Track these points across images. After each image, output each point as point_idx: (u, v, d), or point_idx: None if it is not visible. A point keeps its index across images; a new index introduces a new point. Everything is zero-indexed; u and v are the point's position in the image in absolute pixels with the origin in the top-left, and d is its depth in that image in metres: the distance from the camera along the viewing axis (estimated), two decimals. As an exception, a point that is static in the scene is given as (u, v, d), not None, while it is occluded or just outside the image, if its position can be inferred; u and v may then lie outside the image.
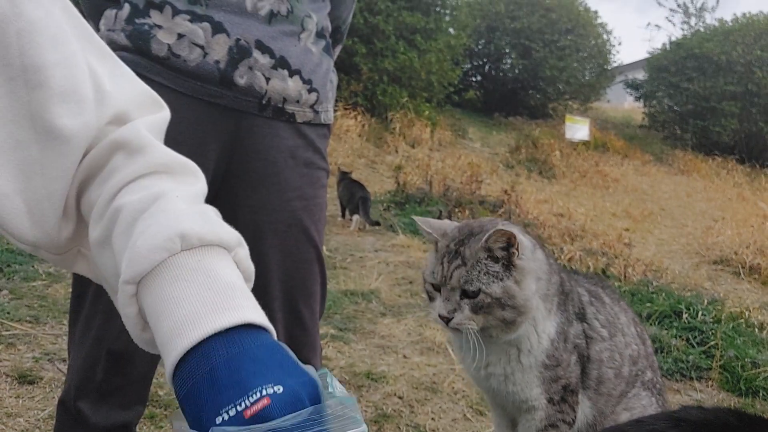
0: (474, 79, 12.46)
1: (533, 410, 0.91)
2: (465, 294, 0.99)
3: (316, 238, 1.33)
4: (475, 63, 12.28)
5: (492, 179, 7.01)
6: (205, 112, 1.19)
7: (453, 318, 0.98)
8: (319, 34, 1.30)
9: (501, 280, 0.99)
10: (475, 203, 5.65)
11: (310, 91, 1.28)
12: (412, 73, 8.85)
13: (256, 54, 1.18)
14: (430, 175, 6.68)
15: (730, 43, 11.10)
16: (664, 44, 12.53)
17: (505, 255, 1.01)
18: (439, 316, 0.99)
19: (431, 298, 1.03)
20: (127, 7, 1.17)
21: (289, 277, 1.30)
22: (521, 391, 0.98)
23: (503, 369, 1.00)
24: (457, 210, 5.42)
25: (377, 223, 5.08)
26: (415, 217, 1.15)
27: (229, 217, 1.28)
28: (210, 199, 1.26)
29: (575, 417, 0.93)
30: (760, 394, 2.82)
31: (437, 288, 1.03)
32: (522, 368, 0.98)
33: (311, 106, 1.29)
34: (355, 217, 5.09)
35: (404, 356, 2.93)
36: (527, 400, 0.99)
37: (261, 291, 1.32)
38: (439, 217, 5.30)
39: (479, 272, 0.98)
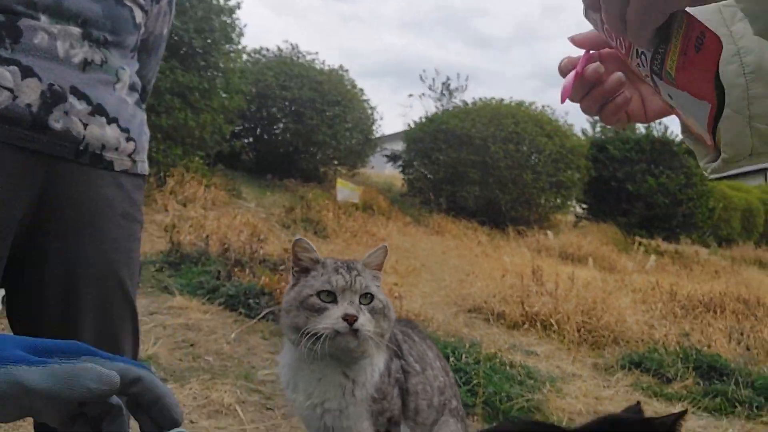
0: (247, 140, 12.57)
1: None
2: (363, 299, 1.06)
3: (131, 294, 1.28)
4: (248, 126, 12.43)
5: (270, 239, 7.08)
6: (15, 158, 1.10)
7: (359, 318, 1.03)
8: (132, 87, 1.29)
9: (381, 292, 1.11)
10: (255, 262, 5.63)
11: (128, 139, 1.25)
12: (186, 132, 8.67)
13: (72, 99, 1.14)
14: (206, 234, 6.51)
15: (470, 120, 12.88)
16: (420, 117, 14.07)
17: (379, 273, 1.14)
18: (346, 315, 1.03)
19: (320, 310, 1.06)
20: None
21: (99, 334, 1.23)
22: (354, 425, 1.05)
23: (338, 403, 1.06)
24: (236, 269, 5.36)
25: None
26: (301, 238, 1.19)
27: (37, 268, 1.19)
28: (14, 250, 1.15)
29: None
30: (514, 423, 3.23)
31: (332, 297, 1.07)
32: (355, 402, 1.06)
33: (129, 155, 1.26)
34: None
35: (191, 421, 2.79)
36: None
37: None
38: (218, 278, 5.18)
39: (370, 281, 1.08)
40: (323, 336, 1.04)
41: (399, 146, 14.26)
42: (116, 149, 1.23)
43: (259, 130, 12.45)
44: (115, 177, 1.24)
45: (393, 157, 14.02)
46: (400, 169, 13.90)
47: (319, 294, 1.08)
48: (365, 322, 1.05)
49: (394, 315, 1.14)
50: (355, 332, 1.04)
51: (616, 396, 3.87)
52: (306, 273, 1.13)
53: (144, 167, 1.33)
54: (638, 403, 0.98)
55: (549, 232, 11.64)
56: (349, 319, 1.04)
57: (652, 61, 0.54)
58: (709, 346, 4.92)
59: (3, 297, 1.24)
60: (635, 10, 0.47)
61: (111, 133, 1.21)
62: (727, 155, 0.58)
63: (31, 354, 0.49)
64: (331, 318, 1.05)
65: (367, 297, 1.09)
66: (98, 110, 1.18)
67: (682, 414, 0.86)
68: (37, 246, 1.17)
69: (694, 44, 0.49)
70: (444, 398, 1.17)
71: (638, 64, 0.57)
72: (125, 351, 1.28)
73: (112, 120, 1.21)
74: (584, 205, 15.46)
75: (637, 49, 0.56)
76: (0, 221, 1.12)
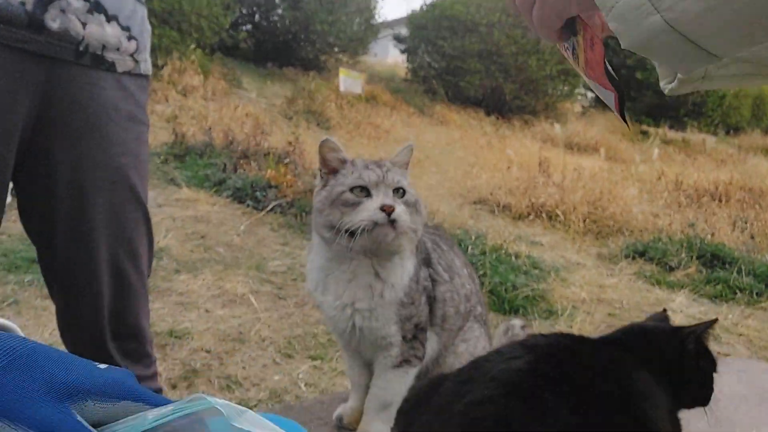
0: (245, 28, 12.09)
1: (390, 347, 0.99)
2: (396, 193, 1.04)
3: (142, 196, 1.25)
4: (245, 11, 11.90)
5: (273, 130, 6.98)
6: (12, 60, 1.03)
7: (396, 209, 1.01)
8: None
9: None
10: (259, 155, 5.59)
11: (129, 38, 1.17)
12: (181, 16, 8.31)
13: None
14: (208, 126, 6.42)
15: (474, 6, 12.29)
16: (424, 3, 13.42)
17: (406, 172, 1.12)
18: (384, 205, 1.01)
19: (355, 205, 1.03)
20: None
21: (115, 239, 1.21)
22: (382, 327, 1.05)
23: (368, 304, 1.06)
24: (242, 161, 5.32)
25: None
26: (328, 138, 1.14)
27: (45, 175, 1.16)
28: (21, 156, 1.11)
29: (425, 352, 1.04)
30: (520, 311, 3.33)
31: (366, 192, 1.04)
32: (384, 303, 1.05)
33: (131, 55, 1.19)
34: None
35: (206, 311, 2.87)
36: (386, 336, 1.06)
37: (86, 255, 1.21)
38: (223, 170, 5.15)
39: (401, 176, 1.06)
40: (361, 229, 1.00)
41: (402, 31, 13.73)
42: (117, 49, 1.16)
43: (257, 16, 11.94)
44: (118, 78, 1.17)
45: (400, 39, 13.51)
46: (405, 54, 13.46)
47: (352, 189, 1.04)
48: (402, 212, 1.02)
49: (426, 211, 1.12)
50: (392, 223, 1.01)
51: (619, 284, 3.95)
52: (334, 173, 1.09)
53: (147, 67, 1.25)
54: (664, 310, 0.96)
55: (556, 124, 11.47)
56: (387, 210, 1.01)
57: (573, 54, 0.60)
58: (713, 235, 4.97)
59: (12, 189, 1.21)
60: (535, 15, 0.53)
61: (111, 31, 1.13)
62: (681, 77, 0.61)
63: (60, 394, 0.37)
64: (369, 210, 1.01)
65: (400, 191, 1.06)
66: (96, 7, 1.10)
67: (712, 323, 0.85)
68: (43, 152, 1.13)
69: (590, 44, 0.55)
70: (470, 305, 1.17)
71: (568, 56, 0.62)
72: (140, 254, 1.27)
73: (111, 17, 1.13)
74: (592, 93, 15.13)
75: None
76: (1, 124, 1.07)
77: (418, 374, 1.06)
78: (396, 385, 1.01)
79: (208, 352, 2.54)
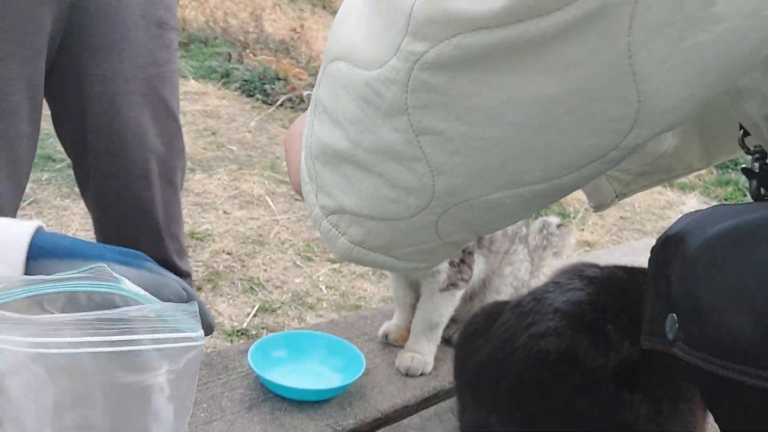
0: None
1: (437, 273, 1.01)
2: None
3: (174, 108, 1.23)
4: None
5: (276, 16, 6.68)
6: None
7: None
8: None
9: None
10: (264, 43, 5.39)
11: None
12: None
13: None
14: (209, 10, 6.14)
15: None
16: None
17: None
18: None
19: None
20: None
21: (147, 154, 1.21)
22: None
23: None
24: (247, 51, 5.15)
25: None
26: None
27: (76, 89, 1.13)
28: (48, 68, 1.08)
29: (471, 275, 1.05)
30: (533, 215, 3.36)
31: None
32: None
33: None
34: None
35: (224, 212, 2.90)
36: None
37: (119, 170, 1.20)
38: (229, 60, 4.99)
39: None
40: None
41: None
42: None
43: None
44: None
45: None
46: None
47: None
48: None
49: None
50: None
51: (630, 186, 3.97)
52: None
53: None
54: None
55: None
56: None
57: None
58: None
59: None
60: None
61: None
62: (594, 203, 0.68)
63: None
64: None
65: None
66: None
67: None
68: (72, 65, 1.10)
69: None
70: (516, 227, 1.17)
71: None
72: (173, 168, 1.27)
73: None
74: None
75: None
76: (30, 36, 1.03)
77: (464, 296, 1.08)
78: (442, 307, 1.03)
79: (229, 254, 2.59)
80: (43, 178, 2.89)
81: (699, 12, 0.29)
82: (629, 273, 0.81)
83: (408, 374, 0.96)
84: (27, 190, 3.02)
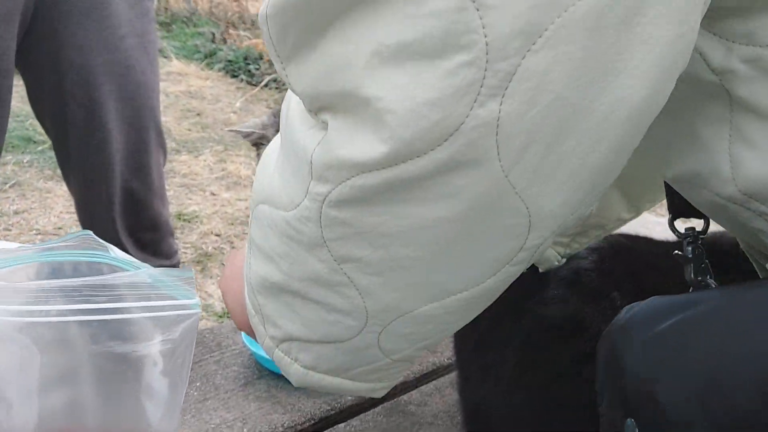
0: None
1: None
2: None
3: (152, 80, 1.19)
4: None
5: (260, -5, 6.58)
6: None
7: None
8: None
9: None
10: (248, 23, 5.30)
11: None
12: None
13: None
14: (191, -11, 6.02)
15: None
16: None
17: None
18: None
19: None
20: None
21: (128, 128, 1.17)
22: None
23: None
24: (230, 30, 5.06)
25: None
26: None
27: (52, 59, 1.09)
28: (24, 35, 1.04)
29: None
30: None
31: None
32: None
33: None
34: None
35: (212, 193, 2.86)
36: None
37: (98, 146, 1.17)
38: (212, 41, 4.90)
39: None
40: None
41: None
42: None
43: None
44: None
45: None
46: None
47: None
48: None
49: None
50: None
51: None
52: None
53: None
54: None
55: None
56: None
57: None
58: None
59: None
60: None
61: None
62: (543, 268, 0.72)
63: None
64: None
65: None
66: None
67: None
68: (48, 34, 1.07)
69: None
70: None
71: None
72: (153, 143, 1.24)
73: None
74: None
75: None
76: (1, 5, 0.99)
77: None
78: None
79: (218, 235, 2.56)
80: (25, 161, 2.83)
81: (556, 129, 0.34)
82: (633, 240, 0.80)
83: (406, 350, 0.95)
84: (8, 172, 2.95)
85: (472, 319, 0.48)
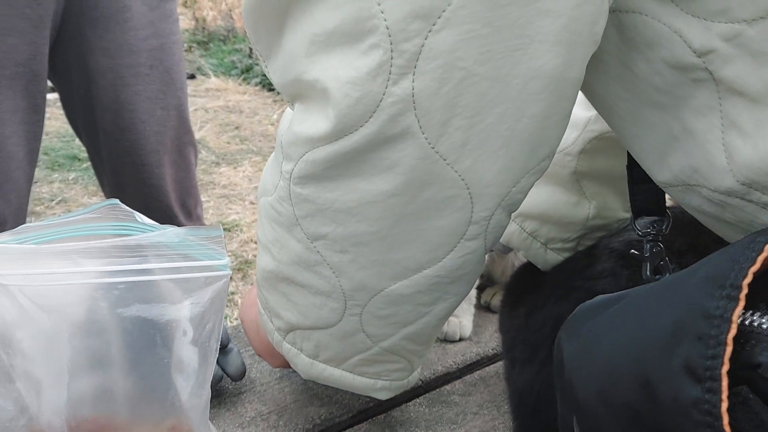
0: None
1: None
2: None
3: (179, 81, 1.20)
4: None
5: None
6: None
7: None
8: None
9: None
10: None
11: None
12: None
13: None
14: (227, 7, 6.15)
15: None
16: None
17: None
18: None
19: None
20: None
21: (159, 128, 1.18)
22: None
23: None
24: (266, 46, 5.14)
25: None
26: None
27: (80, 63, 1.11)
28: (52, 43, 1.06)
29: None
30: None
31: None
32: None
33: None
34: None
35: (251, 203, 2.88)
36: None
37: (130, 147, 1.18)
38: (249, 56, 4.98)
39: None
40: None
41: None
42: None
43: None
44: None
45: None
46: None
47: None
48: None
49: None
50: None
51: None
52: None
53: None
54: None
55: None
56: None
57: None
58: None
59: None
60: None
61: None
62: (543, 268, 0.73)
63: None
64: None
65: None
66: None
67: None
68: (76, 39, 1.09)
69: None
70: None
71: None
72: (185, 142, 1.24)
73: None
74: None
75: None
76: (29, 8, 1.01)
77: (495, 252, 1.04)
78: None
79: (257, 243, 2.57)
80: (70, 178, 2.91)
81: (475, 102, 0.35)
82: (682, 211, 0.76)
83: (446, 339, 0.91)
84: (55, 189, 3.03)
85: (454, 303, 0.48)
